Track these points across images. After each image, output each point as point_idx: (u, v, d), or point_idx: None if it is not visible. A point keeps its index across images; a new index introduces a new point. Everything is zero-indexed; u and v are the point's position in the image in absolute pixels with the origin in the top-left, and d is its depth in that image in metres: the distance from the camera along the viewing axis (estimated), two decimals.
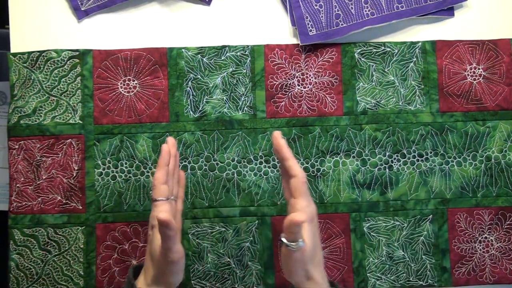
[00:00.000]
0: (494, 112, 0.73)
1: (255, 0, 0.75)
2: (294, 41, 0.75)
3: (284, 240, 0.56)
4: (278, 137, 0.60)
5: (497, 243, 0.73)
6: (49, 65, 0.73)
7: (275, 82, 0.74)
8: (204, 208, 0.72)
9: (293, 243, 0.55)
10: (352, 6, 0.74)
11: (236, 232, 0.72)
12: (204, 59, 0.74)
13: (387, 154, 0.73)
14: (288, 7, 0.74)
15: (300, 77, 0.74)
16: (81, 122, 0.73)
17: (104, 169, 0.72)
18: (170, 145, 0.61)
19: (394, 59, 0.74)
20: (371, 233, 0.72)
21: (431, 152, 0.73)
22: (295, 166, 0.58)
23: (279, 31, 0.75)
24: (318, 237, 0.59)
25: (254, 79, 0.73)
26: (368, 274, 0.72)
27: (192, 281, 0.72)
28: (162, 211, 0.57)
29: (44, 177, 0.72)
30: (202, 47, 0.74)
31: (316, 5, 0.74)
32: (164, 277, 0.57)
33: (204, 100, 0.73)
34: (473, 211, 0.73)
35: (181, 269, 0.58)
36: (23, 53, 0.73)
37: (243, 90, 0.73)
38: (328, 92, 0.74)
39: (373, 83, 0.74)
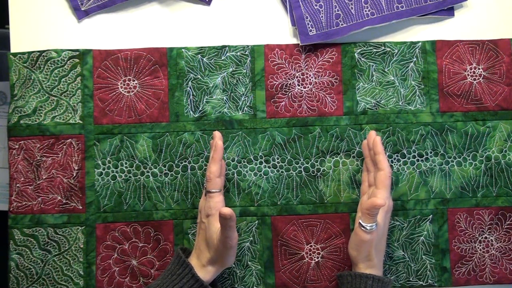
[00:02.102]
0: (494, 112, 0.73)
1: (255, 0, 0.75)
2: (294, 41, 0.75)
3: (360, 221, 0.64)
4: (374, 134, 0.68)
5: (497, 243, 0.73)
6: (49, 65, 0.73)
7: (275, 82, 0.74)
8: None
9: (368, 225, 0.63)
10: (352, 6, 0.74)
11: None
12: (204, 59, 0.74)
13: (387, 154, 0.73)
14: (288, 7, 0.74)
15: (300, 77, 0.74)
16: (81, 122, 0.73)
17: (104, 169, 0.72)
18: (219, 139, 0.67)
19: (394, 59, 0.74)
20: None
21: (431, 152, 0.73)
22: (384, 161, 0.66)
23: (279, 31, 0.75)
24: (387, 229, 0.68)
25: (254, 79, 0.74)
26: None
27: None
28: (219, 201, 0.65)
29: (44, 177, 0.72)
30: (202, 47, 0.74)
31: (316, 5, 0.74)
32: (221, 260, 0.65)
33: (204, 100, 0.73)
34: (473, 211, 0.73)
35: (235, 252, 0.65)
36: (23, 53, 0.73)
37: (243, 90, 0.73)
38: (328, 92, 0.74)
39: (373, 83, 0.74)
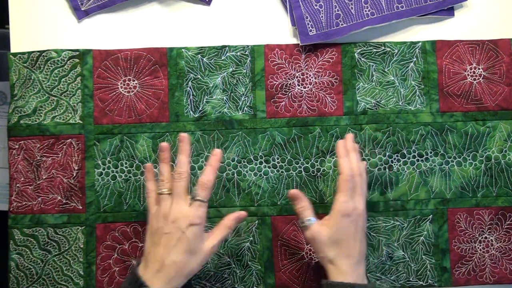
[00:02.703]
0: (494, 112, 0.73)
1: (255, 0, 0.76)
2: (294, 41, 0.75)
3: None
4: (349, 137, 0.69)
5: (497, 243, 0.73)
6: (49, 65, 0.73)
7: (275, 82, 0.74)
8: None
9: (299, 220, 0.66)
10: (352, 6, 0.74)
11: (236, 232, 0.72)
12: (204, 59, 0.74)
13: (387, 154, 0.73)
14: (288, 7, 0.74)
15: (300, 77, 0.74)
16: (81, 122, 0.73)
17: (104, 169, 0.72)
18: (182, 139, 0.65)
19: (394, 59, 0.74)
20: (371, 233, 0.72)
21: (431, 152, 0.73)
22: (342, 164, 0.65)
23: (279, 31, 0.75)
24: (353, 232, 0.64)
25: (254, 79, 0.74)
26: (368, 274, 0.72)
27: (192, 281, 0.71)
28: (205, 212, 0.63)
29: (44, 177, 0.72)
30: (202, 47, 0.74)
31: (316, 5, 0.74)
32: (196, 268, 0.63)
33: (204, 100, 0.73)
34: (473, 211, 0.73)
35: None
36: (23, 53, 0.73)
37: (243, 90, 0.73)
38: (328, 92, 0.74)
39: (373, 83, 0.74)
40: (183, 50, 0.74)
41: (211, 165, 0.64)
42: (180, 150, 0.64)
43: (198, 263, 0.62)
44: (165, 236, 0.61)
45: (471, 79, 0.74)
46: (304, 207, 0.66)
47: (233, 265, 0.72)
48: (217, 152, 0.65)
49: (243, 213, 0.65)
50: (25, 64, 0.73)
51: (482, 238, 0.73)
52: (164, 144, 0.65)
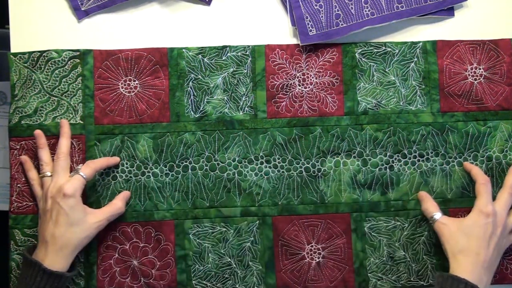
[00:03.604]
0: (495, 112, 0.73)
1: (255, 0, 0.75)
2: (295, 41, 0.75)
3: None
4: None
5: None
6: (50, 65, 0.73)
7: (275, 82, 0.74)
8: (205, 208, 0.72)
9: (428, 218, 0.70)
10: (352, 6, 0.74)
11: (237, 232, 0.72)
12: (205, 59, 0.74)
13: (388, 154, 0.73)
14: (288, 7, 0.74)
15: (300, 77, 0.74)
16: (82, 122, 0.72)
17: (104, 169, 0.72)
18: (62, 125, 0.70)
19: (395, 59, 0.74)
20: (372, 233, 0.72)
21: (432, 152, 0.73)
22: (477, 171, 0.71)
23: (280, 31, 0.75)
24: (489, 235, 0.65)
25: (255, 79, 0.73)
26: (369, 274, 0.72)
27: (193, 281, 0.72)
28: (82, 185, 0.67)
29: None
30: (202, 47, 0.74)
31: (316, 5, 0.74)
32: (83, 241, 0.67)
33: (205, 100, 0.73)
34: None
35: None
36: (23, 53, 0.73)
37: (244, 90, 0.73)
38: (329, 92, 0.74)
39: (374, 83, 0.74)
40: (183, 50, 0.74)
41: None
42: (61, 134, 0.69)
43: (83, 236, 0.65)
44: (47, 213, 0.66)
45: (472, 79, 0.74)
46: (429, 205, 0.70)
47: (234, 265, 0.72)
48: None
49: (127, 192, 0.71)
50: (25, 64, 0.73)
51: None
52: (38, 132, 0.70)
